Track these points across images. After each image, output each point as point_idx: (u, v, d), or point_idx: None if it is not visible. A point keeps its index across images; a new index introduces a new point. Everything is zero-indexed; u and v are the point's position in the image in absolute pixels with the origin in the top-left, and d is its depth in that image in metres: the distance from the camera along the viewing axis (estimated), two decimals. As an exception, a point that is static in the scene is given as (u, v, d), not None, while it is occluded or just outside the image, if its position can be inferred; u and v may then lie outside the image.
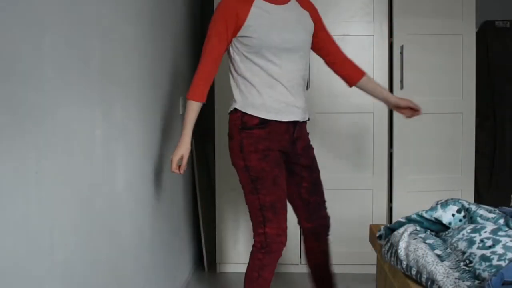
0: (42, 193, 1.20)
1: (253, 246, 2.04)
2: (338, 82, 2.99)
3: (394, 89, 2.94)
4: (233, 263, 3.12)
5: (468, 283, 1.20)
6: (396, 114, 2.97)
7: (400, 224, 1.59)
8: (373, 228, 1.90)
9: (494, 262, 1.22)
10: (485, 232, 1.35)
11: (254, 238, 2.04)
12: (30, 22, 1.14)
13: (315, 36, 2.13)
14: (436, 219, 1.54)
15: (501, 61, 3.51)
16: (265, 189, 1.98)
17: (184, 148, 2.00)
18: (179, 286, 2.74)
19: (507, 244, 1.28)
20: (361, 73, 2.19)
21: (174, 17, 2.66)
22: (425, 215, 1.56)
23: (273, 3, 2.01)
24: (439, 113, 3.00)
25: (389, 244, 1.57)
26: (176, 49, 2.69)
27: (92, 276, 1.52)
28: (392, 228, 1.63)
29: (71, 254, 1.36)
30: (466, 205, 1.54)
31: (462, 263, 1.30)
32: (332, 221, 2.22)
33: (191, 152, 2.36)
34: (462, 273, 1.26)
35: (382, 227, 1.70)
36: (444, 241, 1.46)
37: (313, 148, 2.18)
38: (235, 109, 2.02)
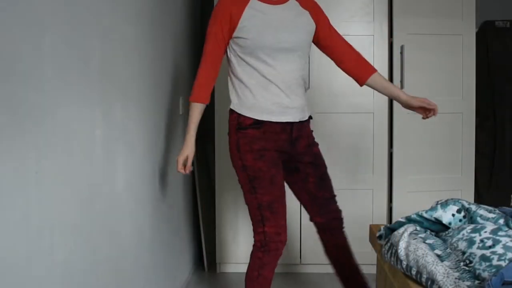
0: (42, 193, 1.20)
1: (253, 245, 2.05)
2: (338, 82, 3.00)
3: (394, 89, 2.94)
4: (233, 263, 3.12)
5: (468, 283, 1.20)
6: (396, 114, 2.97)
7: (400, 224, 1.59)
8: (373, 228, 1.90)
9: (494, 262, 1.22)
10: (485, 232, 1.35)
11: (254, 237, 2.05)
12: (30, 22, 1.14)
13: (317, 35, 2.11)
14: (436, 219, 1.54)
15: (501, 61, 3.51)
16: (262, 189, 1.99)
17: (189, 149, 2.05)
18: (179, 286, 2.74)
19: (507, 244, 1.28)
20: (368, 72, 2.12)
21: (174, 17, 2.66)
22: (425, 215, 1.56)
23: (269, 3, 2.01)
24: (439, 113, 2.95)
25: (389, 244, 1.56)
26: (176, 49, 2.69)
27: (92, 276, 1.52)
28: (392, 228, 1.63)
29: (71, 254, 1.36)
30: (466, 205, 1.54)
31: (462, 263, 1.30)
32: (332, 221, 2.22)
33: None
34: (462, 273, 1.26)
35: (382, 227, 1.70)
36: (444, 241, 1.46)
37: (317, 145, 2.16)
38: (231, 109, 2.05)
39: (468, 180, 3.06)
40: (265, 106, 1.99)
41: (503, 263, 1.21)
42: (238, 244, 3.09)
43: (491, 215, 1.47)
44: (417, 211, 1.60)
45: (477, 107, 3.05)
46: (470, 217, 1.51)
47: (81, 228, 1.43)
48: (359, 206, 3.03)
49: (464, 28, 2.98)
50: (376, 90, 2.17)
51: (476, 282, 1.21)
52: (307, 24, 2.07)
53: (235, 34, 1.99)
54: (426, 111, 2.09)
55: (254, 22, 1.96)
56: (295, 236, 2.99)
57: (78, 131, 1.42)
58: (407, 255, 1.42)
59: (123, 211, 1.80)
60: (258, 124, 2.00)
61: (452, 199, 1.59)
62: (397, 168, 3.00)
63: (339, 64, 2.16)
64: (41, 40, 1.19)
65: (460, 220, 1.53)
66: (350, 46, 2.16)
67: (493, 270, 1.20)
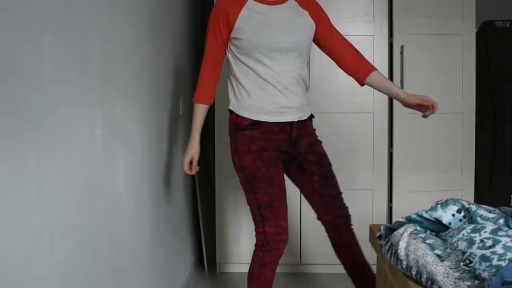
0: (42, 193, 1.20)
1: (255, 244, 2.07)
2: (338, 82, 3.00)
3: (394, 89, 2.94)
4: (233, 263, 3.12)
5: (468, 283, 1.20)
6: (396, 114, 2.97)
7: (400, 224, 1.59)
8: (373, 228, 1.90)
9: (494, 262, 1.22)
10: (485, 232, 1.35)
11: (255, 236, 2.06)
12: (30, 22, 1.14)
13: (318, 35, 2.11)
14: (436, 219, 1.54)
15: (501, 61, 3.51)
16: (262, 189, 1.99)
17: (194, 149, 2.08)
18: (179, 286, 2.74)
19: (507, 244, 1.28)
20: (368, 71, 2.11)
21: (174, 17, 2.66)
22: (425, 215, 1.56)
23: (266, 4, 2.01)
24: (439, 113, 2.98)
25: (389, 244, 1.56)
26: (176, 49, 2.69)
27: (92, 276, 1.52)
28: (392, 228, 1.63)
29: (71, 254, 1.36)
30: (466, 205, 1.54)
31: (462, 263, 1.30)
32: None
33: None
34: (462, 273, 1.26)
35: (382, 227, 1.70)
36: (444, 241, 1.46)
37: (320, 143, 2.15)
38: (230, 110, 2.07)
39: (468, 180, 3.06)
40: (262, 106, 2.00)
41: (503, 263, 1.21)
42: (238, 244, 3.09)
43: (491, 215, 1.47)
44: (417, 211, 1.60)
45: (477, 107, 3.05)
46: (470, 217, 1.51)
47: (81, 228, 1.43)
48: (359, 206, 3.02)
49: (464, 28, 2.98)
50: (376, 88, 2.16)
51: (476, 282, 1.20)
52: (307, 24, 2.07)
53: (232, 35, 2.00)
54: (423, 108, 2.04)
55: (250, 23, 1.97)
56: (295, 236, 2.99)
57: (78, 131, 1.42)
58: (407, 255, 1.42)
59: (123, 211, 1.80)
60: (256, 124, 2.00)
61: (452, 199, 1.58)
62: (397, 168, 3.00)
63: (339, 63, 2.16)
64: (41, 40, 1.19)
65: (460, 220, 1.53)
66: (350, 45, 2.15)
67: (493, 270, 1.20)
